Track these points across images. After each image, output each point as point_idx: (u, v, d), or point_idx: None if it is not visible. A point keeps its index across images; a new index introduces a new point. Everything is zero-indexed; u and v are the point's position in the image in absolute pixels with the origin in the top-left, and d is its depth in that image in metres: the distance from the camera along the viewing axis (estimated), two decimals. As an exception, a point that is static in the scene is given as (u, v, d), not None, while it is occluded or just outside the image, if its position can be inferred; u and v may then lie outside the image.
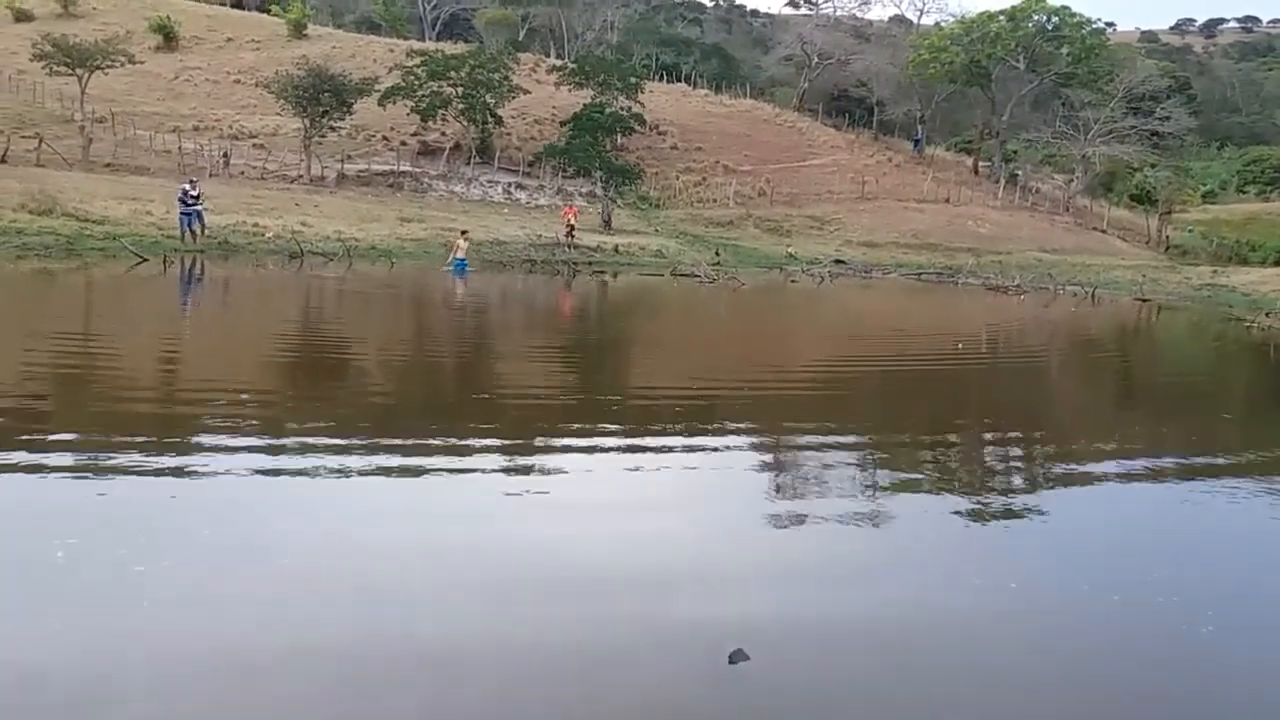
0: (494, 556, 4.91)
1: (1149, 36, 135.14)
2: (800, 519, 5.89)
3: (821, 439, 8.24)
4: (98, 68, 35.10)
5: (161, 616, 4.00)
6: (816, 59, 59.63)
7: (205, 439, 6.80)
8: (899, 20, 73.05)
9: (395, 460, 6.53)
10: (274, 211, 28.99)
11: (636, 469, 6.87)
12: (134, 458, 6.12)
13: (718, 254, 33.76)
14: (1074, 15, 50.88)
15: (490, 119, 42.85)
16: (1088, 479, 7.36)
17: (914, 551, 5.45)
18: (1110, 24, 76.12)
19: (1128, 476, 7.41)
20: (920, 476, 7.19)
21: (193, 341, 12.46)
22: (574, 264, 28.76)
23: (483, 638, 4.00)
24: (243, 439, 6.83)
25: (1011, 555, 5.56)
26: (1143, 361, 17.26)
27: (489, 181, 41.02)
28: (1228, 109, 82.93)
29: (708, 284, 26.05)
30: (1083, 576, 5.14)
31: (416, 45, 51.31)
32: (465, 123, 42.54)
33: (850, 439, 8.37)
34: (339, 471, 6.15)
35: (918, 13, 67.35)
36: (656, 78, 57.90)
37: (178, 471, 5.94)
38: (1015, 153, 55.03)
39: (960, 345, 16.36)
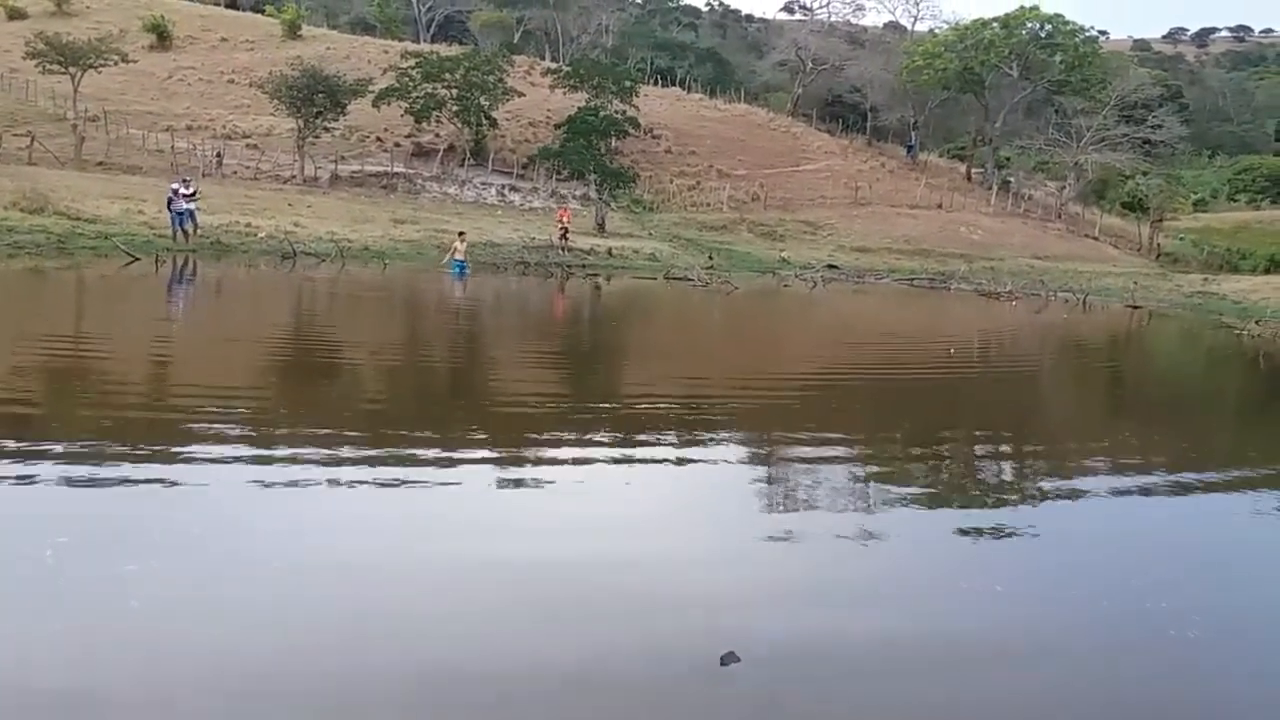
0: (483, 566, 4.90)
1: (1141, 45, 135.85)
2: (791, 525, 5.90)
3: (813, 445, 8.25)
4: (91, 66, 35.01)
5: (149, 619, 3.98)
6: (811, 64, 59.78)
7: (195, 441, 6.77)
8: (893, 27, 73.31)
9: (386, 465, 6.52)
10: (267, 212, 28.94)
11: (629, 477, 6.87)
12: (124, 459, 6.10)
13: (711, 258, 33.80)
14: (1067, 23, 51.16)
15: (484, 121, 42.86)
16: (1077, 487, 7.39)
17: (904, 558, 5.46)
18: (1103, 32, 76.35)
19: (1117, 484, 7.44)
20: (911, 483, 7.20)
21: (184, 343, 12.43)
22: (568, 267, 28.76)
23: (471, 645, 3.99)
24: (233, 442, 6.82)
25: (1000, 561, 5.57)
26: (1133, 369, 17.34)
27: (483, 183, 41.03)
28: (1219, 118, 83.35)
29: (701, 288, 26.07)
30: (1071, 583, 5.16)
31: (411, 47, 51.29)
32: (459, 124, 42.55)
33: (841, 445, 8.39)
34: (329, 475, 6.14)
35: (912, 19, 67.75)
36: (651, 81, 58.01)
37: (168, 473, 5.92)
38: (1008, 159, 55.27)
39: (952, 351, 16.39)
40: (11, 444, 6.24)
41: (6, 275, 17.85)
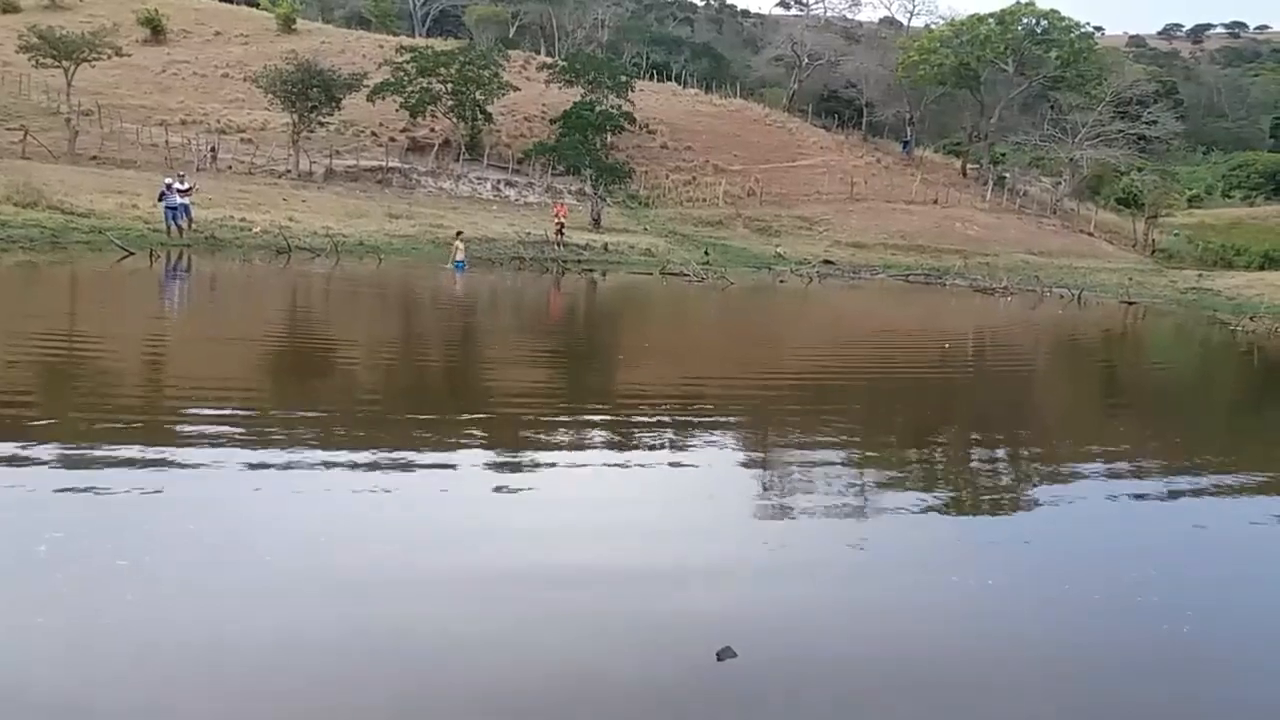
0: (480, 553, 4.90)
1: (1137, 41, 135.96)
2: (786, 522, 5.90)
3: (807, 442, 8.26)
4: (84, 60, 34.87)
5: (143, 615, 3.97)
6: (806, 60, 59.80)
7: (190, 435, 6.76)
8: (889, 22, 73.32)
9: (381, 466, 6.50)
10: (261, 206, 28.88)
11: (623, 470, 6.87)
12: (119, 452, 6.08)
13: (707, 253, 33.80)
14: (1063, 19, 51.20)
15: (480, 116, 42.79)
16: (1071, 483, 7.40)
17: (898, 555, 5.46)
18: (1099, 28, 76.47)
19: (1111, 480, 7.44)
20: (906, 480, 7.21)
21: (179, 339, 12.39)
22: (563, 262, 28.74)
23: (468, 634, 3.99)
24: (229, 439, 6.79)
25: (992, 555, 5.58)
26: (1126, 365, 17.37)
27: (478, 178, 40.95)
28: (1214, 114, 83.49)
29: (696, 283, 26.07)
30: (1064, 577, 5.17)
31: (406, 41, 51.17)
32: (454, 119, 42.47)
33: (835, 442, 8.39)
34: (325, 473, 6.13)
35: (907, 15, 67.77)
36: (647, 76, 57.97)
37: (163, 466, 5.90)
38: (1003, 155, 55.35)
39: (947, 346, 16.43)
40: (5, 439, 6.22)
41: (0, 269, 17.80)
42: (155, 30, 51.77)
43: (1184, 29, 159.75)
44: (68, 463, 5.81)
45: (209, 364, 10.04)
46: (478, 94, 42.08)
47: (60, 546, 4.50)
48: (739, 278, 28.39)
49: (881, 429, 9.14)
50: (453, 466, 6.54)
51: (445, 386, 10.34)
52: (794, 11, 76.65)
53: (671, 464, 7.13)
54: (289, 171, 36.37)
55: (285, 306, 16.59)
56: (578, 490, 6.30)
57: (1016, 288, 30.83)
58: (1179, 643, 4.41)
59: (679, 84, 60.55)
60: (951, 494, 6.76)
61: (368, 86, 39.56)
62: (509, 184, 41.39)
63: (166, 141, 35.90)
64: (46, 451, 6.01)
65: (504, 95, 43.37)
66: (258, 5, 62.27)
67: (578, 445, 7.49)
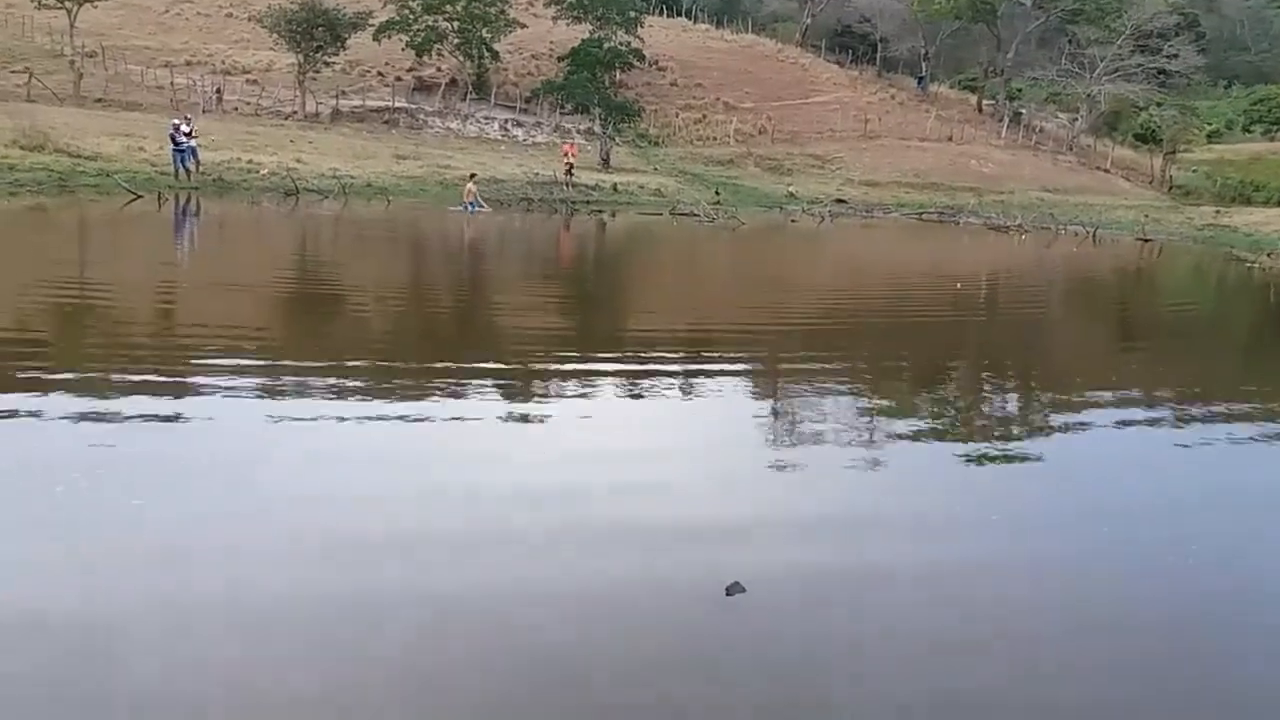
0: (492, 497, 4.95)
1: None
2: (795, 456, 5.95)
3: (818, 380, 8.28)
4: (87, 0, 34.36)
5: (162, 551, 4.04)
6: (820, -7, 58.42)
7: (204, 378, 6.81)
8: (905, -47, 71.33)
9: (396, 398, 6.56)
10: (268, 148, 28.66)
11: (636, 412, 6.92)
12: (134, 396, 6.14)
13: (717, 193, 33.47)
14: (1083, -51, 49.73)
15: (486, 54, 42.13)
16: (1081, 420, 7.41)
17: (906, 489, 5.50)
18: (1120, -42, 74.19)
19: (1122, 417, 7.46)
20: (915, 417, 7.24)
21: (191, 280, 12.42)
22: (572, 203, 28.53)
23: (481, 578, 4.04)
24: (242, 379, 6.84)
25: (1002, 492, 5.62)
26: (1140, 303, 17.25)
27: (485, 118, 40.47)
28: (1236, 47, 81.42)
29: (707, 223, 25.88)
30: (1070, 512, 5.20)
31: (411, -22, 50.10)
32: (461, 58, 41.84)
33: (846, 379, 8.41)
34: (339, 409, 6.19)
35: (924, -54, 65.82)
36: (656, 11, 56.71)
37: (178, 409, 5.96)
38: (1020, 91, 54.25)
39: (959, 286, 16.33)
40: (21, 383, 6.29)
41: (9, 214, 17.78)
42: (157, -32, 50.85)
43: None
44: (83, 405, 5.87)
45: (221, 308, 10.07)
46: (484, 31, 41.38)
47: (77, 487, 4.57)
48: (750, 218, 28.16)
49: (891, 371, 9.14)
50: (466, 401, 6.58)
51: (457, 329, 10.36)
52: (807, -57, 74.65)
53: (682, 403, 7.17)
54: (295, 113, 36.01)
55: (296, 250, 16.57)
56: (591, 425, 6.34)
57: (1031, 225, 30.51)
58: (1184, 574, 4.45)
59: (689, 19, 59.33)
60: (962, 431, 6.79)
61: (373, 25, 38.93)
62: (517, 123, 40.90)
63: (172, 83, 35.53)
64: (62, 395, 6.08)
65: (511, 33, 42.62)
66: (259, -58, 61.04)
67: (590, 380, 7.52)
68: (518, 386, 7.26)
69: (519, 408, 6.64)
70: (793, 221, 29.27)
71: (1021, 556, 4.61)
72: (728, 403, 7.29)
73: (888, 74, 56.49)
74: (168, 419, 5.70)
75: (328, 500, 4.69)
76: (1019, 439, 6.72)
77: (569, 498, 4.94)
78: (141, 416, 5.69)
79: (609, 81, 43.92)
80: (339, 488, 4.86)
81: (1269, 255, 23.79)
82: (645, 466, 5.56)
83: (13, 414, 5.58)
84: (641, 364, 8.27)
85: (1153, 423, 7.34)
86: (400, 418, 6.11)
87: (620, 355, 8.76)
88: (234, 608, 3.62)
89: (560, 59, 43.92)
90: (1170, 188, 45.47)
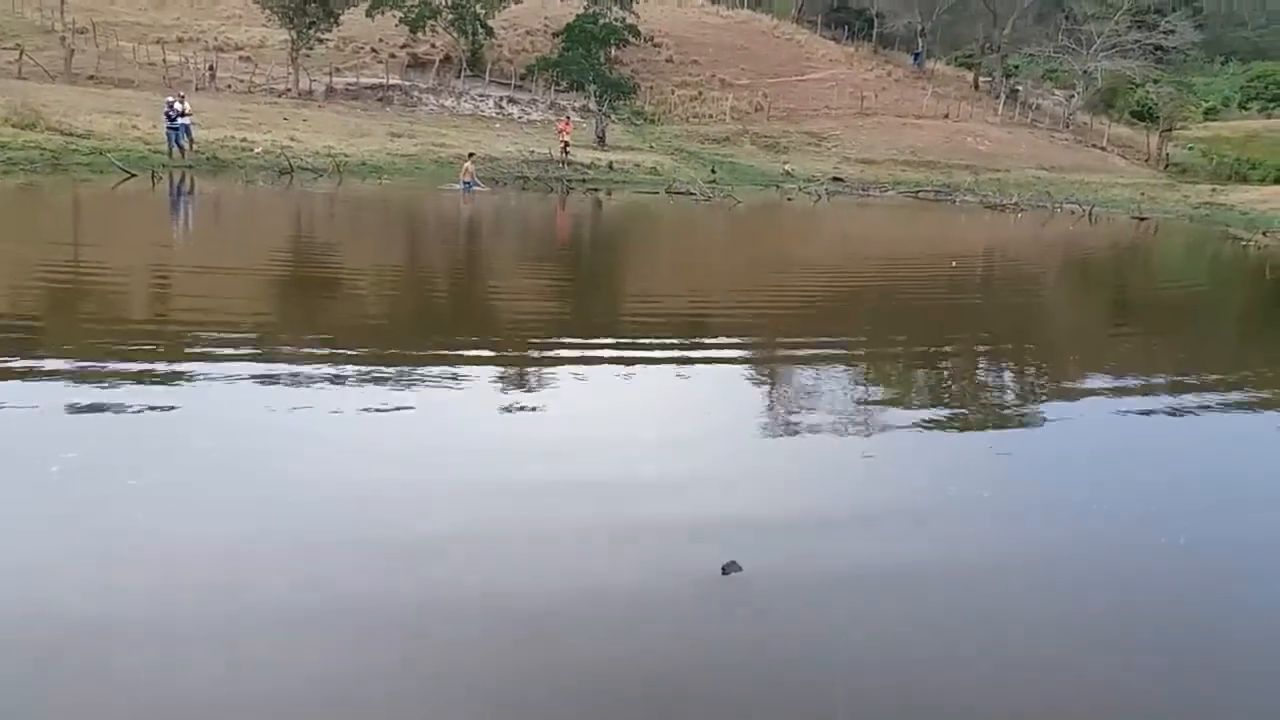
0: (490, 466, 4.99)
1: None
2: (791, 436, 5.99)
3: (814, 359, 8.31)
4: (76, -25, 34.05)
5: (157, 534, 4.05)
6: (816, -32, 57.98)
7: (201, 357, 6.82)
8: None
9: (394, 383, 6.58)
10: (262, 126, 28.50)
11: (630, 386, 6.95)
12: (130, 374, 6.16)
13: (714, 171, 33.38)
14: (1081, -78, 49.39)
15: (481, 30, 41.82)
16: (1076, 400, 7.46)
17: (901, 468, 5.54)
18: (1118, -68, 73.61)
19: (1117, 397, 7.50)
20: (911, 397, 7.29)
21: (186, 258, 12.39)
22: (568, 181, 28.43)
23: (475, 561, 4.06)
24: (239, 358, 6.86)
25: (993, 472, 5.66)
26: (1136, 283, 17.30)
27: (480, 95, 40.24)
28: (1234, 22, 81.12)
29: (703, 203, 25.83)
30: (1063, 492, 5.26)
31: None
32: (455, 34, 41.53)
33: (842, 359, 8.45)
34: (336, 392, 6.20)
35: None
36: (651, -14, 56.27)
37: (174, 387, 5.99)
38: (1016, 68, 54.01)
39: (954, 265, 16.36)
40: (18, 361, 6.30)
41: (2, 193, 17.69)
42: (146, -57, 50.32)
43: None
44: (80, 384, 5.88)
45: (218, 287, 10.06)
46: (478, 7, 41.06)
47: (73, 466, 4.59)
48: (746, 196, 28.10)
49: (888, 348, 9.17)
50: (461, 386, 6.61)
51: (454, 309, 10.37)
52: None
53: (678, 381, 7.20)
54: (289, 90, 35.76)
55: (294, 228, 16.53)
56: (585, 405, 6.37)
57: (1027, 204, 30.50)
58: (1177, 555, 4.50)
59: (685, -6, 58.94)
60: (957, 410, 6.83)
61: (366, 1, 38.63)
62: (512, 101, 40.67)
63: (164, 60, 35.23)
64: (58, 374, 6.10)
65: (505, 8, 42.33)
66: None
67: (584, 363, 7.54)
68: (513, 369, 7.28)
69: (514, 390, 6.67)
70: (789, 200, 29.21)
71: (1020, 539, 4.66)
72: (723, 382, 7.33)
73: (884, 50, 56.18)
74: (165, 393, 5.72)
75: (324, 485, 4.72)
76: (1015, 420, 6.77)
77: (562, 476, 4.97)
78: (139, 392, 5.70)
79: (604, 58, 43.62)
80: (335, 469, 4.89)
81: (1264, 234, 23.83)
82: (640, 448, 5.60)
83: (8, 391, 5.60)
84: (639, 348, 8.29)
85: (1149, 401, 7.39)
86: (399, 404, 6.12)
87: (616, 338, 8.78)
88: (233, 585, 3.65)
89: (555, 35, 43.60)
90: (1166, 165, 45.44)
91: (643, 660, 3.37)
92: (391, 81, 38.86)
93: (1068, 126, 48.79)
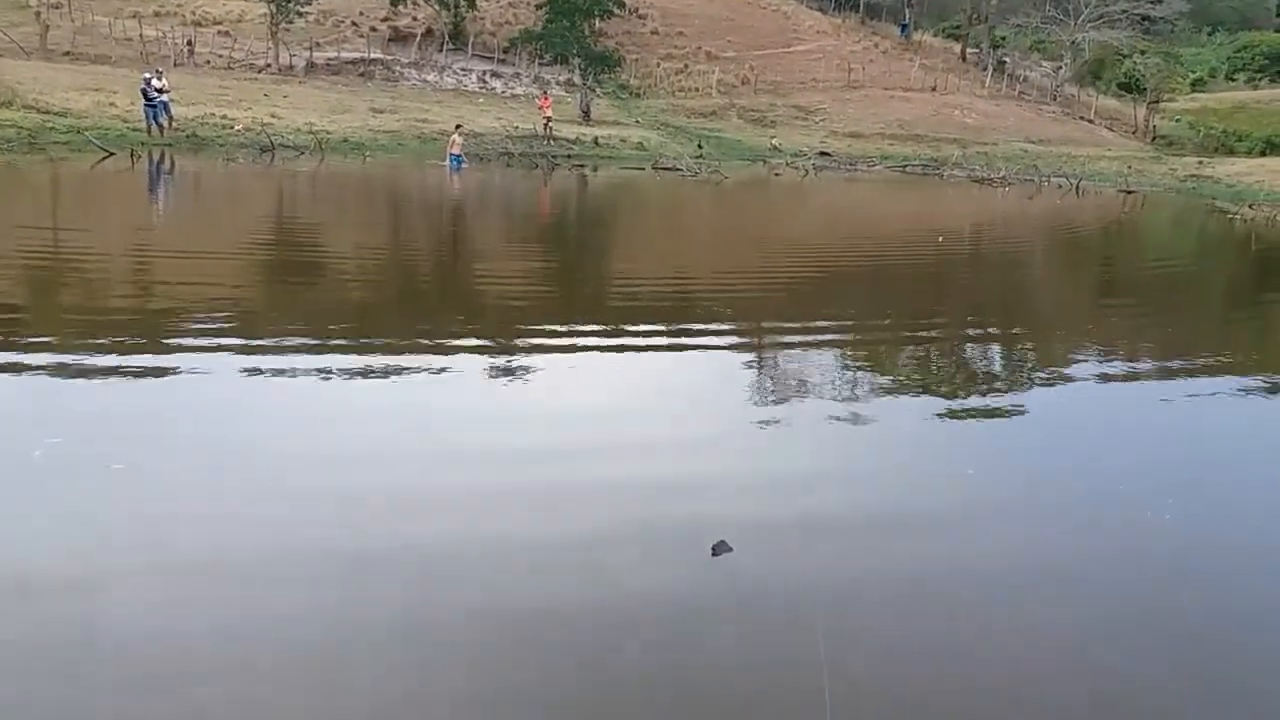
0: (477, 454, 4.95)
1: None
2: (779, 413, 5.96)
3: (801, 334, 8.28)
4: (49, -52, 33.38)
5: (139, 514, 4.02)
6: (802, -62, 57.40)
7: (184, 340, 6.75)
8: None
9: (380, 355, 6.52)
10: (242, 103, 28.12)
11: (619, 366, 6.90)
12: (112, 358, 6.07)
13: (700, 146, 33.17)
14: (1068, -110, 49.03)
15: (462, 2, 41.32)
16: (1060, 373, 7.47)
17: (888, 443, 5.53)
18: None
19: (1101, 371, 7.51)
20: (897, 371, 7.26)
21: (168, 239, 12.23)
22: (553, 157, 28.20)
23: (463, 533, 4.06)
24: (223, 340, 6.78)
25: (977, 445, 5.65)
26: (1122, 256, 17.31)
27: (463, 69, 39.79)
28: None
29: (690, 178, 25.68)
30: (1046, 465, 5.26)
31: (385, -77, 48.86)
32: (437, 6, 41.02)
33: (829, 334, 8.41)
34: (321, 367, 6.14)
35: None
36: (636, -42, 55.64)
37: (158, 372, 5.91)
38: (1004, 39, 53.79)
39: (941, 240, 16.33)
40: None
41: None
42: (121, -85, 49.37)
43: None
44: (62, 369, 5.81)
45: (201, 269, 9.93)
46: (460, -22, 40.55)
47: (56, 452, 4.53)
48: (733, 171, 27.95)
49: (875, 322, 9.14)
50: (450, 358, 6.55)
51: (440, 281, 10.29)
52: (789, -113, 73.13)
53: (666, 360, 7.16)
54: (269, 65, 35.26)
55: (277, 206, 16.34)
56: (575, 382, 6.34)
57: (1014, 178, 30.45)
58: (1159, 528, 4.50)
59: (670, -34, 58.27)
60: (943, 385, 6.81)
61: (347, -27, 38.08)
62: (495, 75, 40.25)
63: (141, 35, 34.66)
64: (40, 358, 6.02)
65: (487, -20, 41.79)
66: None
67: (573, 337, 7.51)
68: (501, 346, 7.21)
69: (503, 365, 6.61)
70: (776, 175, 29.07)
71: (1007, 509, 4.65)
72: (712, 356, 7.29)
73: (871, 21, 55.80)
74: (148, 377, 5.65)
75: (310, 460, 4.67)
76: (1000, 393, 6.74)
77: (553, 458, 4.93)
78: (121, 377, 5.63)
79: (589, 30, 43.15)
80: (322, 448, 4.84)
81: (1250, 206, 23.86)
82: (630, 425, 5.56)
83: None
84: (626, 323, 8.23)
85: (1133, 377, 7.39)
86: (385, 374, 6.07)
87: (604, 314, 8.72)
88: (217, 568, 3.61)
89: (538, 7, 43.04)
90: (1153, 138, 45.40)
91: (633, 636, 3.34)
92: (373, 56, 38.36)
93: (1055, 99, 48.65)
